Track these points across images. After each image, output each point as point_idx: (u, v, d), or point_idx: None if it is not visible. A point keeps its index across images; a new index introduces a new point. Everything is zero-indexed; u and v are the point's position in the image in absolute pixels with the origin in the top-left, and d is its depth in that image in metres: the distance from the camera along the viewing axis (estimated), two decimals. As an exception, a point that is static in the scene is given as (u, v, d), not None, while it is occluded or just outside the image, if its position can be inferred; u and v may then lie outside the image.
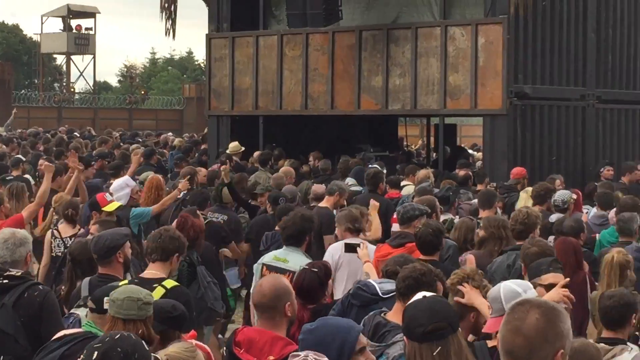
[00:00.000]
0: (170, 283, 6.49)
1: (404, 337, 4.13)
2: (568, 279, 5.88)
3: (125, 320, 4.68)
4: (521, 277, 6.19)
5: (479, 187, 13.49)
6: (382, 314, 5.31)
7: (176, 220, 8.54)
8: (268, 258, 8.01)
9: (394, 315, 5.20)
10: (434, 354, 3.93)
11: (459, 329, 4.26)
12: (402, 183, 13.84)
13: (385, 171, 14.64)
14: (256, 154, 17.44)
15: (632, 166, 15.68)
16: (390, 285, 5.98)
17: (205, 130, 23.13)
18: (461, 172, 15.12)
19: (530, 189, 12.23)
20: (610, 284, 6.95)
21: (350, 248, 8.14)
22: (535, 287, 5.70)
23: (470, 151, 22.70)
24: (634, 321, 5.42)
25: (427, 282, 5.13)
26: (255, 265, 8.38)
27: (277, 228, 9.06)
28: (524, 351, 2.92)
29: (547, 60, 17.82)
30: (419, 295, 4.41)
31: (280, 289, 5.18)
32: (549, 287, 5.74)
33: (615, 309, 5.51)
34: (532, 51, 17.51)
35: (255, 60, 19.88)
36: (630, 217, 9.26)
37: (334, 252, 8.20)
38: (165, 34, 21.19)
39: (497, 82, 16.83)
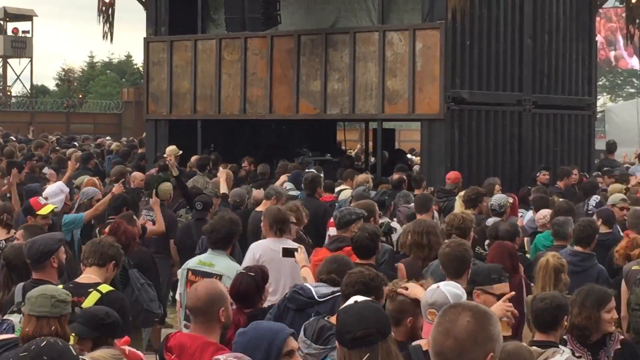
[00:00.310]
0: (105, 288, 6.39)
1: (337, 342, 4.15)
2: (513, 293, 5.90)
3: (38, 317, 4.61)
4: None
5: (416, 191, 13.58)
6: (326, 318, 5.33)
7: (109, 225, 8.46)
8: (193, 262, 7.97)
9: None
10: None
11: (391, 335, 4.23)
12: (340, 187, 13.91)
13: (323, 175, 14.55)
14: (194, 158, 17.40)
15: (568, 171, 15.92)
16: (325, 288, 6.04)
17: (144, 135, 22.99)
18: (395, 176, 15.10)
19: (463, 193, 12.39)
20: (545, 287, 6.98)
21: (288, 252, 8.03)
22: (481, 295, 5.80)
23: (408, 155, 22.90)
24: (565, 323, 5.47)
25: (376, 286, 5.17)
26: (179, 271, 8.30)
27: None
28: (454, 353, 2.94)
29: (484, 65, 17.96)
30: (351, 300, 4.46)
31: (215, 294, 5.16)
32: (500, 296, 5.77)
33: (547, 311, 5.55)
34: (469, 56, 17.64)
35: (193, 64, 19.90)
36: (565, 220, 9.36)
37: (255, 250, 8.13)
38: (103, 38, 21.15)
39: (435, 87, 16.92)
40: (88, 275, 6.35)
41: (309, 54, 18.44)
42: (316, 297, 5.93)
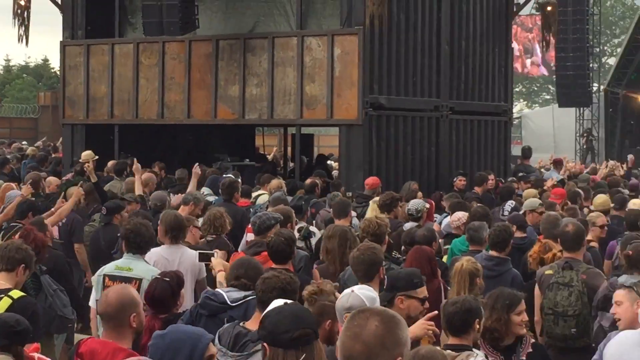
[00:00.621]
0: (17, 293, 6.27)
1: (264, 344, 4.09)
2: (436, 312, 5.86)
3: None
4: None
5: None
6: (241, 324, 5.32)
7: (19, 232, 8.32)
8: (110, 268, 7.81)
9: (254, 324, 5.18)
10: None
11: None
12: (257, 192, 13.95)
13: (240, 180, 14.50)
14: (111, 163, 17.17)
15: (484, 176, 16.17)
16: (237, 293, 6.01)
17: (60, 140, 22.66)
18: (308, 180, 15.19)
19: (378, 198, 12.44)
20: (460, 291, 7.02)
21: (204, 257, 8.01)
22: (405, 300, 5.79)
23: (328, 161, 23.12)
24: (477, 326, 5.52)
25: (293, 289, 5.21)
26: (94, 277, 8.11)
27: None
28: (363, 357, 2.96)
29: (402, 71, 18.11)
30: (279, 302, 4.42)
31: (126, 299, 5.09)
32: (423, 300, 5.86)
33: (458, 314, 5.57)
34: (387, 62, 17.75)
35: (110, 68, 19.77)
36: (480, 225, 9.52)
37: (149, 258, 7.97)
38: (18, 41, 20.94)
39: (353, 93, 17.00)
40: (-2, 282, 6.33)
41: (228, 58, 18.45)
42: (229, 302, 5.91)
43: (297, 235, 10.04)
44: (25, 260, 6.44)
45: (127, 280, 7.22)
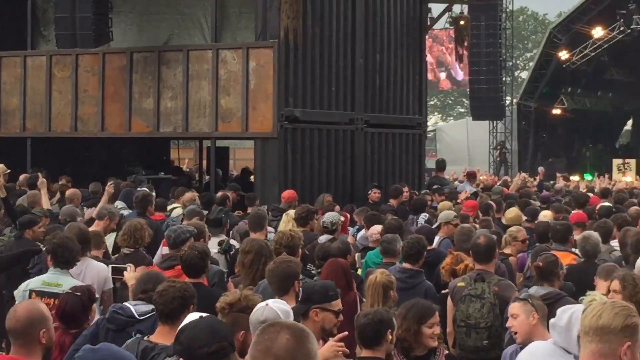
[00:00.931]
0: None
1: (180, 359, 4.10)
2: (346, 333, 5.79)
3: None
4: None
5: (249, 209, 13.68)
6: (145, 338, 5.26)
7: None
8: (36, 284, 7.59)
9: (160, 337, 5.20)
10: None
11: None
12: (172, 205, 13.90)
13: (154, 193, 14.46)
14: (23, 176, 16.75)
15: (399, 189, 16.23)
16: (145, 306, 5.98)
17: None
18: (219, 194, 15.15)
19: (292, 211, 12.37)
20: (374, 304, 7.07)
21: (117, 271, 7.98)
22: (319, 313, 5.81)
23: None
24: (390, 337, 5.56)
25: (192, 295, 5.23)
26: (17, 292, 7.72)
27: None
28: None
29: (317, 84, 18.23)
30: (195, 316, 4.41)
31: (35, 315, 4.99)
32: (338, 313, 5.86)
33: (369, 326, 5.60)
34: (302, 75, 17.85)
35: (22, 81, 19.46)
36: (393, 238, 9.57)
37: None
38: None
39: (268, 106, 17.09)
40: None
41: (142, 71, 18.38)
42: (136, 315, 5.86)
43: (217, 248, 10.18)
44: None
45: (56, 296, 7.08)
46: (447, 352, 6.68)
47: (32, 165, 18.58)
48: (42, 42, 20.60)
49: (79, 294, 6.37)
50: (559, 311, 5.24)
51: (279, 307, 5.06)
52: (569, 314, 5.01)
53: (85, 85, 18.80)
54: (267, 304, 5.15)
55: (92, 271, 8.12)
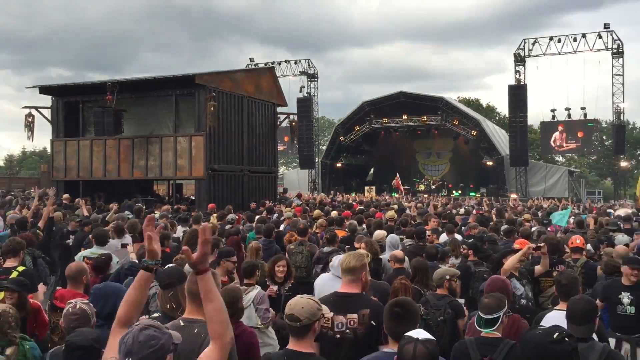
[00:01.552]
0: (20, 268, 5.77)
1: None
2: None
3: None
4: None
5: (194, 213, 12.52)
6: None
7: None
8: (85, 253, 7.14)
9: None
10: None
11: None
12: (156, 213, 12.10)
13: (144, 207, 13.80)
14: (66, 196, 16.25)
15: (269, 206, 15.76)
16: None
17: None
18: (182, 207, 14.70)
19: (215, 215, 12.25)
20: (252, 257, 6.68)
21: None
22: (224, 262, 5.70)
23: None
24: None
25: None
26: (77, 257, 7.14)
27: None
28: None
29: (225, 152, 18.68)
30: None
31: (80, 267, 4.87)
32: (234, 262, 5.80)
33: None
34: (217, 148, 18.29)
35: (77, 152, 19.57)
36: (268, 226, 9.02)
37: None
38: (27, 139, 19.84)
39: (201, 164, 17.88)
40: None
41: (138, 147, 18.97)
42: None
43: (181, 234, 9.26)
44: None
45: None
46: None
47: (82, 196, 17.56)
48: (87, 132, 20.63)
49: (103, 257, 6.16)
50: (334, 259, 5.17)
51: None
52: (337, 260, 4.88)
53: (110, 154, 19.43)
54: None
55: (113, 248, 7.48)
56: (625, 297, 5.52)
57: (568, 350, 2.33)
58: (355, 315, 3.83)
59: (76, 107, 19.93)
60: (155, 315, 3.53)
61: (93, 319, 3.74)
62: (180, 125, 19.38)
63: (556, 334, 2.34)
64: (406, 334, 2.65)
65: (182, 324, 3.06)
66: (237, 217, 11.73)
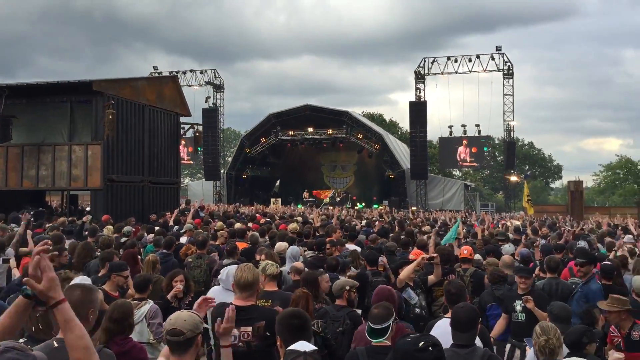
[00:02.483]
0: None
1: None
2: None
3: None
4: None
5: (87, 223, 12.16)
6: None
7: None
8: None
9: None
10: None
11: None
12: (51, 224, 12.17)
13: (32, 218, 13.32)
14: None
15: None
16: None
17: None
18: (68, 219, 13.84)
19: (109, 226, 11.76)
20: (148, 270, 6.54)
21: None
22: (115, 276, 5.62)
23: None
24: None
25: None
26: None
27: None
28: None
29: (123, 162, 18.50)
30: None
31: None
32: (126, 276, 5.69)
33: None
34: (115, 158, 18.04)
35: None
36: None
37: None
38: None
39: (97, 174, 17.74)
40: None
41: (29, 157, 18.33)
42: None
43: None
44: None
45: None
46: None
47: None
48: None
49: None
50: (222, 271, 5.24)
51: (83, 279, 4.68)
52: (225, 272, 4.99)
53: (-6, 163, 17.74)
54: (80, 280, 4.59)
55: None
56: (518, 305, 5.78)
57: (431, 358, 2.45)
58: (249, 328, 3.83)
59: (-41, 112, 18.38)
60: (22, 340, 3.20)
61: None
62: (76, 134, 18.86)
63: (422, 343, 2.47)
64: (290, 348, 2.65)
65: (56, 345, 2.80)
66: (133, 229, 11.55)
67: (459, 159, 38.87)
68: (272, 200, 40.46)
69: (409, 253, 7.81)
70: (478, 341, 3.82)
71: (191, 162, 45.52)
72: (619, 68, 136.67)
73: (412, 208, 33.46)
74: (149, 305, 5.23)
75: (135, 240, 9.78)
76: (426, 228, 13.60)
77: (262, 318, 3.91)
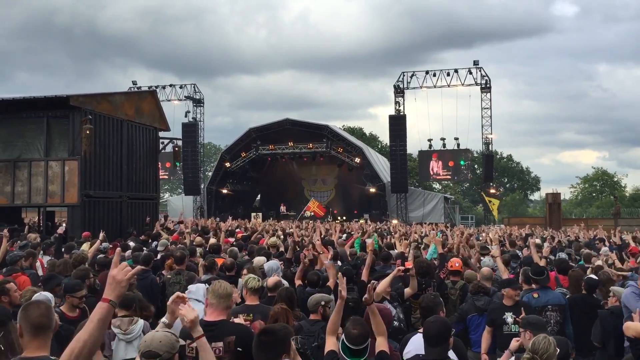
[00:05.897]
0: None
1: None
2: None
3: None
4: None
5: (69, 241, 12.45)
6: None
7: None
8: None
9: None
10: None
11: None
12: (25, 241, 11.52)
13: (8, 234, 11.34)
14: None
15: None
16: None
17: None
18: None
19: (87, 243, 11.67)
20: None
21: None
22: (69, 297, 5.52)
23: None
24: None
25: None
26: None
27: None
28: None
29: (100, 178, 18.36)
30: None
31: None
32: (80, 297, 5.55)
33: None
34: (93, 174, 17.99)
35: None
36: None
37: None
38: None
39: (75, 189, 17.50)
40: None
41: (4, 172, 18.02)
42: None
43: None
44: None
45: None
46: None
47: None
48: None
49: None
50: (190, 286, 5.48)
51: (46, 294, 5.01)
52: (196, 286, 5.19)
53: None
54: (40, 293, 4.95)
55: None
56: (509, 317, 5.86)
57: None
58: (220, 344, 3.78)
59: None
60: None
61: None
62: (53, 149, 18.47)
63: None
64: None
65: None
66: (110, 245, 11.42)
67: (431, 172, 39.14)
68: (253, 215, 40.08)
69: (389, 267, 7.75)
70: (452, 354, 3.79)
71: (166, 176, 44.90)
72: (593, 82, 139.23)
73: (394, 221, 33.47)
74: (142, 322, 5.25)
75: (111, 258, 9.52)
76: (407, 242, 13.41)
77: (232, 333, 3.87)
